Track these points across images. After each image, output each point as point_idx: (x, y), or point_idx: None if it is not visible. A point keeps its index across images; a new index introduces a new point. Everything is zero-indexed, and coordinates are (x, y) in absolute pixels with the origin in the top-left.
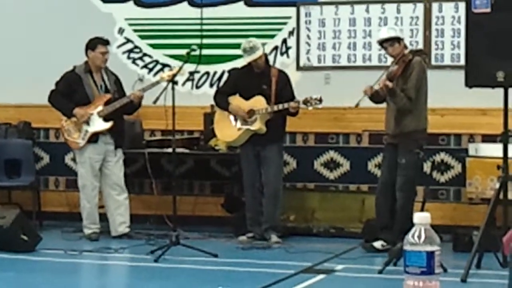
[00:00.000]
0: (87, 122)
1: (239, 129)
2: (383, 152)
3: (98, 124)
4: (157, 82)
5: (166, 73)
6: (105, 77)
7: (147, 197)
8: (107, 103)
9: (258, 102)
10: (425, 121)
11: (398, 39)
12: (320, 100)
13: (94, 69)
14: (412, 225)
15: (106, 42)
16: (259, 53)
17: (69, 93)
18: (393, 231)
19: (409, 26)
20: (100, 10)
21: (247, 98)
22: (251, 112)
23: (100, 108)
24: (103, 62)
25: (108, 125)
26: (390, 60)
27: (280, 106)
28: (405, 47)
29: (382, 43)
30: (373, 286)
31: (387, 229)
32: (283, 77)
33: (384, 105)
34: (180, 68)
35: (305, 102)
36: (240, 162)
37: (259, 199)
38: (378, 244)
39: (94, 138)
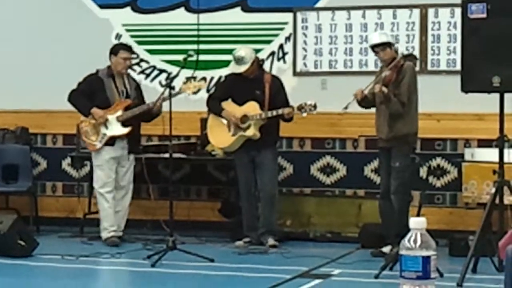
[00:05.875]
0: (106, 126)
1: (233, 135)
2: (379, 157)
3: (117, 129)
4: (179, 93)
5: (189, 85)
6: (127, 83)
7: (144, 202)
8: (126, 109)
9: (252, 108)
10: (417, 124)
11: (389, 44)
12: (315, 106)
13: (116, 74)
14: (408, 229)
15: (128, 48)
16: (245, 66)
17: (90, 94)
18: (390, 235)
19: (405, 31)
20: (97, 16)
21: (240, 103)
22: (244, 118)
23: (119, 112)
24: (124, 67)
25: (126, 130)
26: None
27: (274, 112)
28: (396, 52)
29: (374, 47)
30: None
31: None
32: (276, 82)
33: None
34: (205, 81)
35: (300, 108)
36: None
37: (255, 204)
38: (387, 249)
39: (111, 141)
